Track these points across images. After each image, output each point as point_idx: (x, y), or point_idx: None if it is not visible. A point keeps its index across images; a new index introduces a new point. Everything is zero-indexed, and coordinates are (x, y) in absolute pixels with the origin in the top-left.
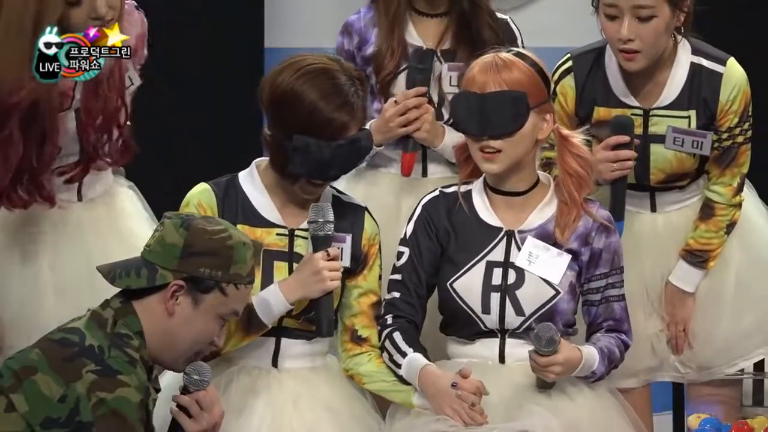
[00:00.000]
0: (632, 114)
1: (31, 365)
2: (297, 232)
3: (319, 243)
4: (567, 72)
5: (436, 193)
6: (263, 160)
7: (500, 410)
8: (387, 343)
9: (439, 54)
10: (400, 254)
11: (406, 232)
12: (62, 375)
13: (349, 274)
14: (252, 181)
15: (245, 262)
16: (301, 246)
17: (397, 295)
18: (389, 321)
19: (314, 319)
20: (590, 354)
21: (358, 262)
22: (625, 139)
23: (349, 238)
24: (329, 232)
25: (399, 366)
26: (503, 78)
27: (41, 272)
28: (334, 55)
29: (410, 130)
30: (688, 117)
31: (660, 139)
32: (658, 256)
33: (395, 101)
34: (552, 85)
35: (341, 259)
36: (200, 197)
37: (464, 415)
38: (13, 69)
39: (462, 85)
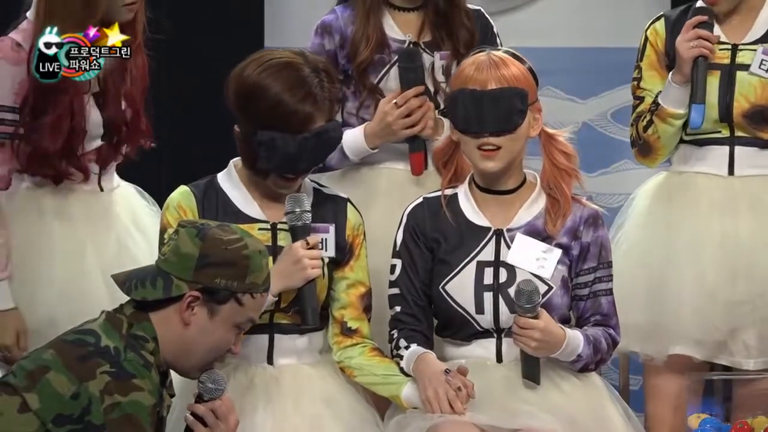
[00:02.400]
0: (721, 49)
1: (44, 365)
2: (279, 226)
3: (298, 232)
4: (657, 18)
5: (420, 200)
6: (240, 158)
7: (498, 410)
8: (395, 351)
9: (422, 46)
10: (393, 267)
11: (395, 244)
12: (76, 373)
13: (335, 265)
14: (230, 179)
15: (261, 270)
16: (285, 239)
17: (398, 309)
18: (395, 335)
19: (299, 308)
20: (574, 335)
21: (344, 253)
22: (704, 18)
23: (332, 228)
24: (307, 221)
25: (402, 358)
26: (503, 74)
27: (87, 260)
28: (299, 49)
29: (416, 130)
30: None
31: (746, 67)
32: (734, 219)
33: (395, 103)
34: (642, 38)
35: (325, 250)
36: (179, 199)
37: (444, 401)
38: None
39: (454, 85)
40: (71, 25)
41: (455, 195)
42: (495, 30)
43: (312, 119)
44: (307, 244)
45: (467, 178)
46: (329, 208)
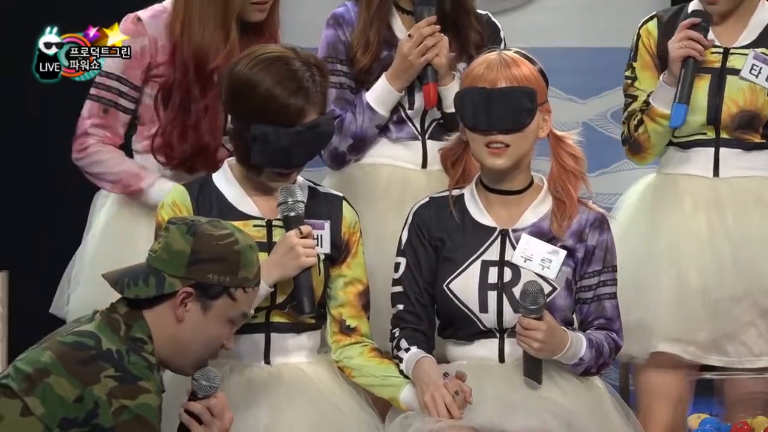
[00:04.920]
0: (713, 52)
1: (44, 368)
2: (275, 223)
3: (291, 223)
4: (651, 18)
5: (426, 200)
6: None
7: (499, 409)
8: (395, 352)
9: None
10: (397, 265)
11: (400, 242)
12: (79, 377)
13: (332, 262)
14: (225, 177)
15: (252, 265)
16: (280, 236)
17: (400, 307)
18: (397, 333)
19: (296, 298)
20: (577, 338)
21: (340, 250)
22: (697, 20)
23: (327, 224)
24: (300, 212)
25: (401, 360)
26: (513, 74)
27: None
28: (290, 45)
29: (429, 57)
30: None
31: (736, 72)
32: (718, 219)
33: (409, 35)
34: (634, 37)
35: (321, 246)
36: (174, 197)
37: (441, 406)
38: (213, 36)
39: (464, 83)
40: (208, 22)
41: (461, 195)
42: (502, 35)
43: (304, 113)
44: (301, 233)
45: (474, 179)
46: (324, 205)
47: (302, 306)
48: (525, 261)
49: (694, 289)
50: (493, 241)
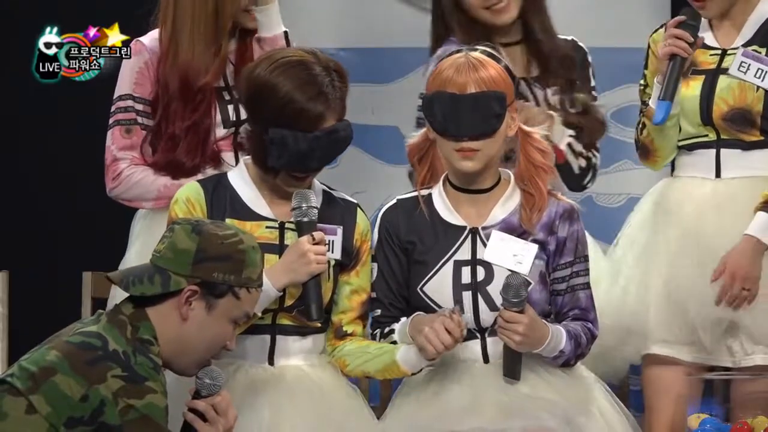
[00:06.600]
0: (711, 54)
1: (49, 366)
2: (287, 225)
3: (304, 228)
4: (661, 27)
5: (394, 201)
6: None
7: (493, 410)
8: (384, 340)
9: (531, 81)
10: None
11: (372, 247)
12: (85, 377)
13: (341, 269)
14: (241, 177)
15: (256, 265)
16: (292, 238)
17: (378, 312)
18: (378, 334)
19: (304, 303)
20: (558, 331)
21: (350, 257)
22: (682, 18)
23: (339, 230)
24: (314, 217)
25: (394, 332)
26: (481, 77)
27: None
28: (310, 48)
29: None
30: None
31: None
32: (715, 222)
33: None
34: (647, 45)
35: (332, 251)
36: (188, 193)
37: (441, 330)
38: (204, 54)
39: (432, 86)
40: (199, 41)
41: (429, 195)
42: (590, 59)
43: (323, 118)
44: (313, 239)
45: (441, 178)
46: (338, 211)
47: (310, 312)
48: (497, 258)
49: (686, 292)
50: (464, 241)
